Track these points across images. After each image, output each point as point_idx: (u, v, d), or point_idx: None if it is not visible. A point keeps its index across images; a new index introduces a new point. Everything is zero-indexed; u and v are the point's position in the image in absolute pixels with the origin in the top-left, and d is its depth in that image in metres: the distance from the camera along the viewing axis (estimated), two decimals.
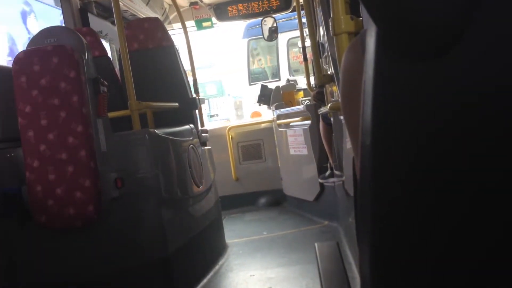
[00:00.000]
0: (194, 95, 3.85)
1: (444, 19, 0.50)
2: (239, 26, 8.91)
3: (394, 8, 0.50)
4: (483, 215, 0.54)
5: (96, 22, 3.99)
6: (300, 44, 4.52)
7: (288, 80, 6.67)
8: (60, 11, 3.79)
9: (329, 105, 2.94)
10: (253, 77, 8.98)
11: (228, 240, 3.91)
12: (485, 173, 0.53)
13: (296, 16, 4.55)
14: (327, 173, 4.14)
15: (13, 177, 2.29)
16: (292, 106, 5.21)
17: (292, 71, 8.52)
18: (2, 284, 2.19)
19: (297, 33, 7.13)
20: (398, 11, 0.50)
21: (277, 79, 8.33)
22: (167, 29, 3.82)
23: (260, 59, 9.28)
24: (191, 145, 3.27)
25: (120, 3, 2.99)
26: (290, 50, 8.54)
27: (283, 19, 7.39)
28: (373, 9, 0.52)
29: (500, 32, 0.51)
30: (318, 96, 4.13)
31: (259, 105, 5.99)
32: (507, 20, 0.50)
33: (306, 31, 4.60)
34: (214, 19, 5.44)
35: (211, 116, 11.54)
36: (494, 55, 0.51)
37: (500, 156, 0.52)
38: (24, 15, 4.05)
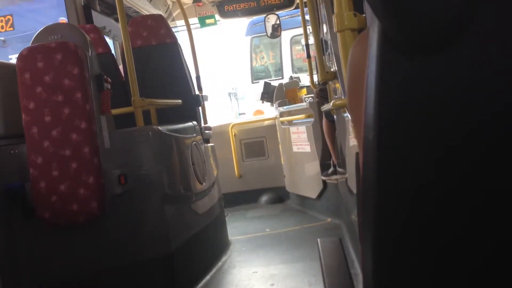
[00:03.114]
0: (197, 92, 3.85)
1: (446, 14, 0.50)
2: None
3: (397, 4, 0.50)
4: (488, 212, 0.54)
5: (99, 19, 3.99)
6: (303, 42, 4.52)
7: (291, 77, 6.67)
8: None
9: (332, 102, 2.93)
10: (255, 75, 8.95)
11: (231, 237, 3.92)
12: (489, 167, 0.53)
13: (300, 13, 4.54)
14: (330, 170, 4.14)
15: (17, 173, 2.29)
16: (295, 103, 5.21)
17: (295, 68, 8.50)
18: (6, 279, 2.20)
19: (300, 30, 7.12)
20: (400, 7, 0.50)
21: (280, 77, 8.31)
22: (171, 26, 3.82)
23: (263, 56, 9.25)
24: (194, 142, 3.27)
25: (123, 0, 2.99)
26: (293, 47, 8.52)
27: (286, 16, 7.37)
28: (376, 4, 0.52)
29: (502, 26, 0.51)
30: (321, 93, 4.12)
31: (262, 102, 5.99)
32: (507, 17, 0.50)
33: (309, 28, 4.60)
34: (217, 16, 5.44)
35: (240, 114, 12.55)
36: (497, 49, 0.51)
37: (503, 151, 0.52)
38: None
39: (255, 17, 6.87)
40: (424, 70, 0.53)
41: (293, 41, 8.45)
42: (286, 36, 8.18)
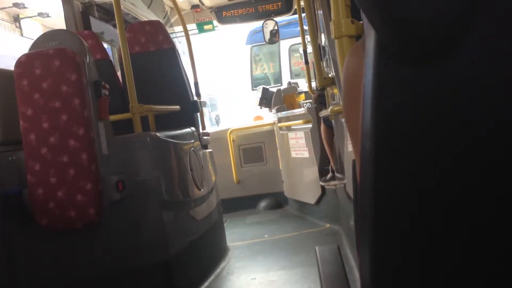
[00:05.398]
0: (195, 98, 3.86)
1: (441, 24, 0.50)
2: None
3: (392, 13, 0.50)
4: (489, 221, 0.54)
5: (97, 25, 4.00)
6: (301, 50, 4.53)
7: (289, 83, 6.68)
8: None
9: (330, 107, 2.94)
10: (255, 82, 9.12)
11: (229, 243, 3.91)
12: (489, 176, 0.53)
13: (298, 19, 4.55)
14: (329, 176, 4.13)
15: (15, 179, 2.29)
16: (293, 108, 5.21)
17: (293, 75, 8.64)
18: (4, 285, 2.20)
19: (298, 40, 7.25)
20: (395, 16, 0.50)
21: (279, 84, 8.40)
22: (169, 32, 3.82)
23: (263, 67, 9.48)
24: (192, 148, 3.27)
25: (121, 6, 3.00)
26: (291, 56, 8.70)
27: (284, 22, 7.43)
28: (371, 13, 0.52)
29: (497, 36, 0.51)
30: (319, 98, 4.13)
31: (260, 108, 6.00)
32: (504, 25, 0.50)
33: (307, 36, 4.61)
34: (215, 22, 5.45)
35: None
36: (492, 59, 0.51)
37: (502, 158, 0.52)
38: None
39: (253, 23, 6.89)
40: (421, 79, 0.53)
41: (292, 50, 8.65)
42: (284, 45, 8.43)
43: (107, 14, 4.32)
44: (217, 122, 18.58)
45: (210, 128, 5.85)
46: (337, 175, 3.68)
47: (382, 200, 0.57)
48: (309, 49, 4.18)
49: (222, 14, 5.30)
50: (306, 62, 4.47)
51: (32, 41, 2.52)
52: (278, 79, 8.85)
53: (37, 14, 13.58)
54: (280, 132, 5.02)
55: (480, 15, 0.50)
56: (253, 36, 8.92)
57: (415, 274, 0.58)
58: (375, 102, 0.54)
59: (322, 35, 3.55)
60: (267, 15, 5.28)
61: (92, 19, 3.91)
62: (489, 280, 0.56)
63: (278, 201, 5.35)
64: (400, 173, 0.56)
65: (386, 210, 0.57)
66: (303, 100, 5.71)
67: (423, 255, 0.57)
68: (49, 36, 2.46)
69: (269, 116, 6.05)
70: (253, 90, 9.03)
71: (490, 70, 0.51)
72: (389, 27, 0.51)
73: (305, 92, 5.73)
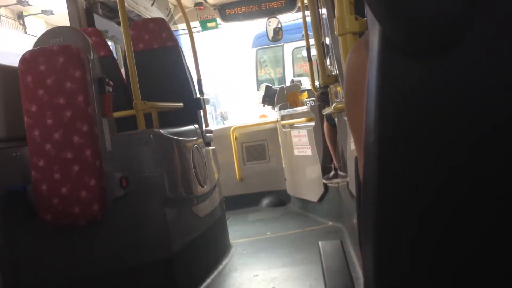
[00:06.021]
0: (198, 95, 3.86)
1: (447, 17, 0.50)
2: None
3: (397, 6, 0.50)
4: (489, 216, 0.54)
5: (101, 23, 4.00)
6: (304, 52, 4.54)
7: (292, 81, 6.68)
8: None
9: (333, 105, 2.94)
10: (260, 84, 9.37)
11: (232, 240, 3.91)
12: (490, 173, 0.53)
13: (300, 22, 4.55)
14: (331, 173, 4.14)
15: (19, 176, 2.30)
16: (296, 106, 5.21)
17: (296, 75, 8.84)
18: (7, 281, 2.21)
19: (301, 43, 7.34)
20: (400, 9, 0.50)
21: (283, 85, 8.56)
22: (172, 29, 3.83)
23: (268, 68, 9.76)
24: (195, 145, 3.27)
25: (125, 3, 3.00)
26: (295, 58, 8.94)
27: (287, 22, 7.50)
28: (376, 7, 0.52)
29: (502, 29, 0.51)
30: (323, 96, 4.13)
31: (263, 105, 6.00)
32: (504, 26, 0.50)
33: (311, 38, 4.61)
34: (218, 20, 5.46)
35: None
36: (497, 53, 0.51)
37: (504, 154, 0.52)
38: None
39: (256, 21, 6.91)
40: (425, 72, 0.53)
41: (295, 52, 8.92)
42: (288, 48, 8.86)
43: (111, 12, 4.33)
44: (223, 119, 18.63)
45: (214, 127, 5.86)
46: (340, 173, 3.68)
47: (385, 196, 0.57)
48: (313, 51, 4.18)
49: (225, 12, 5.30)
50: (310, 60, 4.47)
51: (35, 39, 2.53)
52: (282, 82, 9.09)
53: (40, 12, 13.62)
54: (283, 130, 5.02)
55: (480, 15, 0.50)
56: (258, 40, 9.32)
57: (418, 272, 0.58)
58: (379, 96, 0.54)
59: (326, 32, 3.55)
60: (270, 13, 5.28)
61: (96, 17, 3.92)
62: (496, 277, 0.56)
63: (281, 199, 5.36)
64: (404, 170, 0.56)
65: (389, 206, 0.57)
66: (306, 98, 5.71)
67: (426, 252, 0.57)
68: (53, 33, 2.47)
69: (272, 114, 6.05)
70: (258, 90, 9.24)
71: (490, 70, 0.51)
72: (395, 21, 0.51)
73: (308, 90, 5.74)
